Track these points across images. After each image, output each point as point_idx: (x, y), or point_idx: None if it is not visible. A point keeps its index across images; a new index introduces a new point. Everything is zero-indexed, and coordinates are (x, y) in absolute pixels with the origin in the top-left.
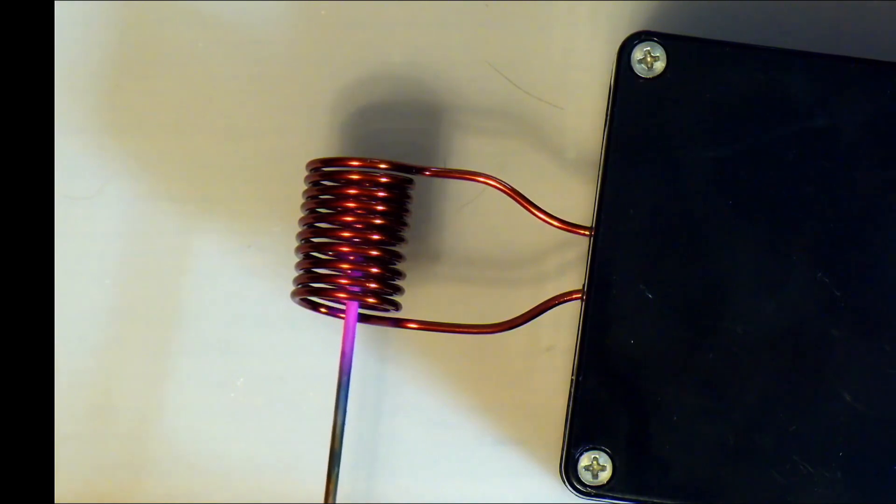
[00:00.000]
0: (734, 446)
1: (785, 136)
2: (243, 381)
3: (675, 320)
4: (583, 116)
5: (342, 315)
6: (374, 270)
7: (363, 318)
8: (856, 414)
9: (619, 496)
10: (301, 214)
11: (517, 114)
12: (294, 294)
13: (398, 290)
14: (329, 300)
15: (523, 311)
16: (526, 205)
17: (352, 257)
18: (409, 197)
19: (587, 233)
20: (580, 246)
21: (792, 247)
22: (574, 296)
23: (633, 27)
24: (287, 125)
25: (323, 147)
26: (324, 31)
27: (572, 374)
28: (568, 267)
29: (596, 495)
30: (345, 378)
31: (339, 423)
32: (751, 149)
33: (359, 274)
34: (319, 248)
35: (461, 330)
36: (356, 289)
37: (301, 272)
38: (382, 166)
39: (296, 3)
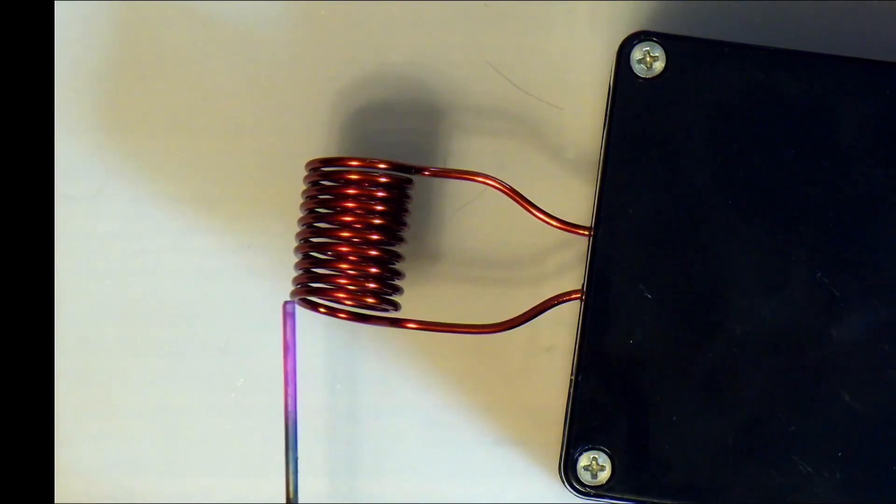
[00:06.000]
0: (734, 446)
1: (784, 136)
2: (243, 381)
3: (675, 320)
4: (582, 116)
5: (342, 315)
6: (373, 270)
7: (363, 318)
8: (855, 414)
9: (619, 496)
10: (300, 214)
11: (517, 114)
12: (293, 294)
13: (397, 290)
14: (328, 300)
15: (523, 311)
16: (525, 205)
17: (351, 257)
18: (408, 197)
19: (587, 233)
20: (580, 246)
21: (792, 247)
22: (574, 296)
23: (633, 27)
24: (287, 125)
25: (323, 147)
26: (324, 31)
27: (572, 374)
28: (567, 267)
29: (595, 495)
30: (291, 388)
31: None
32: (750, 149)
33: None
34: (319, 247)
35: (461, 330)
36: (355, 288)
37: (300, 272)
38: (382, 166)
39: (296, 3)
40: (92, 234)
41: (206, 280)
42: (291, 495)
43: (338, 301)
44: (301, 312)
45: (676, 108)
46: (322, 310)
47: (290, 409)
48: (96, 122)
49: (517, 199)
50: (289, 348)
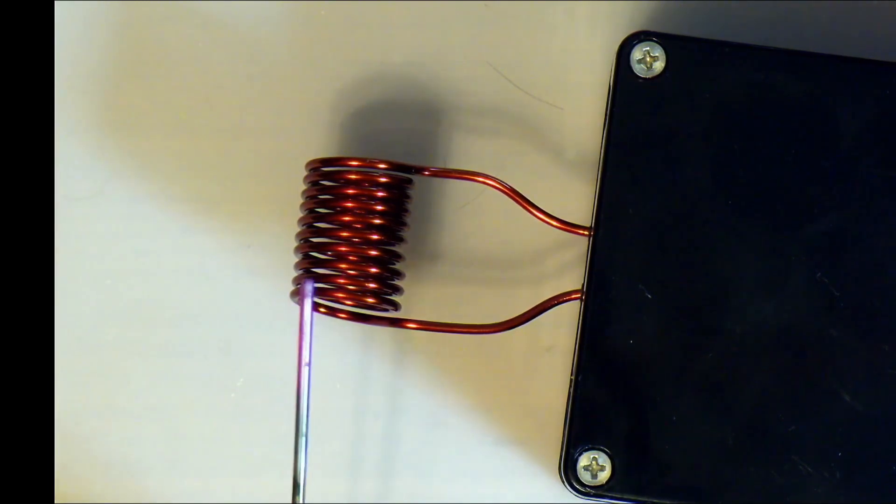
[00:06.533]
0: (734, 446)
1: (784, 136)
2: (243, 381)
3: (675, 320)
4: (582, 116)
5: (342, 315)
6: (373, 270)
7: (363, 318)
8: (855, 414)
9: (619, 496)
10: (300, 214)
11: (517, 114)
12: (293, 294)
13: (397, 289)
14: (328, 300)
15: (523, 311)
16: (525, 205)
17: (351, 257)
18: (408, 197)
19: (587, 233)
20: (580, 246)
21: (792, 247)
22: (574, 296)
23: (633, 27)
24: (287, 125)
25: (323, 147)
26: (324, 31)
27: (572, 374)
28: (567, 267)
29: (595, 495)
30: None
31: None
32: (750, 149)
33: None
34: (318, 247)
35: (461, 330)
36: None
37: (300, 272)
38: (381, 166)
39: (296, 3)
40: (92, 234)
41: (206, 280)
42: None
43: (338, 301)
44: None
45: (676, 108)
46: (322, 310)
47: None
48: (96, 122)
49: (517, 199)
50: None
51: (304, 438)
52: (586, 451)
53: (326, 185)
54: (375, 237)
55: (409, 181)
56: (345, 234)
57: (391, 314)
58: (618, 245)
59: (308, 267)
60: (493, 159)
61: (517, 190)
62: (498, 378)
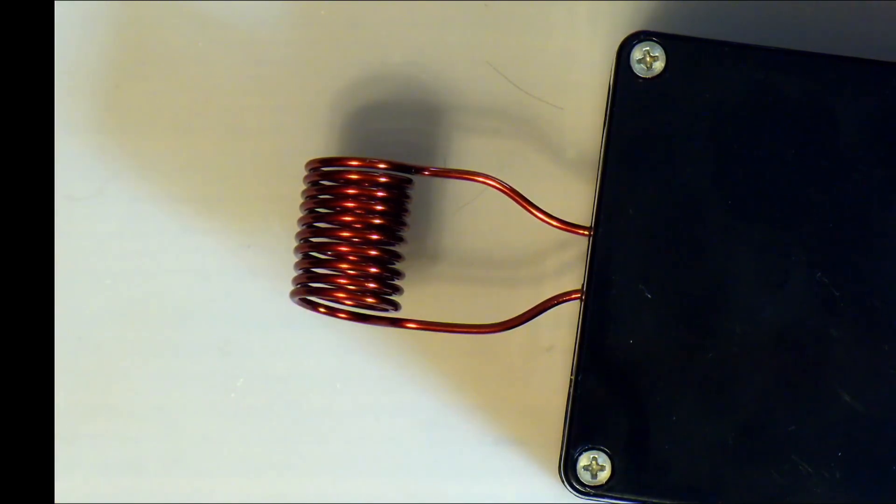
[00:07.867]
0: (734, 446)
1: (784, 136)
2: (243, 381)
3: (675, 320)
4: (582, 116)
5: (342, 315)
6: (373, 270)
7: (363, 318)
8: (855, 414)
9: (618, 496)
10: (300, 214)
11: (517, 114)
12: (293, 294)
13: (397, 289)
14: (328, 300)
15: (523, 311)
16: (525, 205)
17: (351, 257)
18: (408, 197)
19: (586, 233)
20: (579, 246)
21: (791, 247)
22: (573, 296)
23: (633, 27)
24: (287, 125)
25: (323, 147)
26: (324, 31)
27: (572, 374)
28: (567, 267)
29: (595, 495)
30: None
31: None
32: (750, 149)
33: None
34: (318, 247)
35: (461, 330)
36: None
37: (300, 272)
38: (381, 166)
39: (296, 3)
40: (92, 234)
41: (206, 280)
42: None
43: (338, 301)
44: (301, 312)
45: (676, 108)
46: (322, 310)
47: None
48: (96, 123)
49: (517, 199)
50: None
51: None
52: (586, 451)
53: (326, 185)
54: (375, 237)
55: (409, 181)
56: (345, 233)
57: (391, 314)
58: (618, 245)
59: (308, 266)
60: (493, 159)
61: (517, 190)
62: (498, 378)
